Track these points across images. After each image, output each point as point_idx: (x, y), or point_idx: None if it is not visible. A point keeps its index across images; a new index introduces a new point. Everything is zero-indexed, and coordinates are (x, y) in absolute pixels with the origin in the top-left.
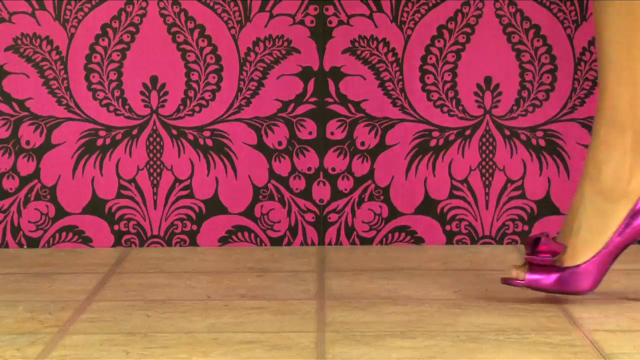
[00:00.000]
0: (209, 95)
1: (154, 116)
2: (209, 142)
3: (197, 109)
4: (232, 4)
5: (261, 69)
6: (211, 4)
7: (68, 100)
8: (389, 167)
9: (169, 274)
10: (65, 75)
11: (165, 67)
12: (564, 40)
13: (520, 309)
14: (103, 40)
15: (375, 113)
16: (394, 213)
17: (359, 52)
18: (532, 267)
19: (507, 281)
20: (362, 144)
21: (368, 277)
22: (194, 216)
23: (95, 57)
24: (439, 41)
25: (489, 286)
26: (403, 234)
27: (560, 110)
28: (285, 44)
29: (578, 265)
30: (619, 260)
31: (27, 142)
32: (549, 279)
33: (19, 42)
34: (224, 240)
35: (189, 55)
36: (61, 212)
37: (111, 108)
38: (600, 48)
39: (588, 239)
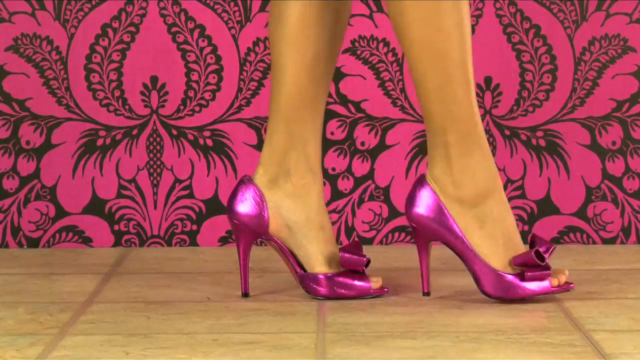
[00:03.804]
0: (209, 95)
1: (154, 116)
2: (209, 142)
3: (197, 109)
4: (232, 4)
5: (261, 69)
6: (211, 4)
7: (68, 100)
8: (389, 167)
9: (169, 275)
10: (65, 75)
11: (165, 67)
12: (564, 40)
13: (520, 309)
14: (103, 40)
15: (375, 113)
16: (394, 213)
17: (359, 52)
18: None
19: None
20: (362, 144)
21: None
22: (194, 216)
23: (95, 57)
24: None
25: None
26: (403, 234)
27: (560, 110)
28: None
29: None
30: (618, 260)
31: (27, 142)
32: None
33: (19, 42)
34: (224, 240)
35: (189, 55)
36: (61, 212)
37: (111, 108)
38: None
39: None
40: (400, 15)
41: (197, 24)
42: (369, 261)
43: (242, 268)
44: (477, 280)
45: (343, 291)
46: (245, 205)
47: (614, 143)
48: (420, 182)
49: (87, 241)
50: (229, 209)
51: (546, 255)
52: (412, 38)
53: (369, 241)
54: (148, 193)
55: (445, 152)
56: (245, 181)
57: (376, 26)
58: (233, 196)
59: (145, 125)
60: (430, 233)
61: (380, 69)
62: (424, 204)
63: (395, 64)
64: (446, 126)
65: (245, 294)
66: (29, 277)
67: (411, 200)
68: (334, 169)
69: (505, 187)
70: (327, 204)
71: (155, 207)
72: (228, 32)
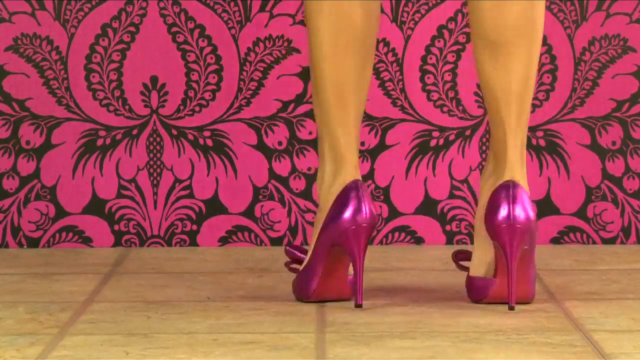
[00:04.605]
0: (209, 95)
1: (154, 116)
2: (209, 142)
3: (197, 109)
4: (232, 4)
5: (261, 69)
6: (211, 4)
7: (68, 100)
8: (389, 167)
9: (169, 275)
10: (65, 75)
11: (165, 67)
12: (564, 40)
13: (520, 309)
14: (103, 40)
15: (375, 113)
16: (394, 213)
17: None
18: None
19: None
20: (362, 144)
21: (368, 278)
22: (194, 216)
23: (95, 57)
24: (439, 41)
25: None
26: (403, 234)
27: (560, 110)
28: (285, 43)
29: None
30: (618, 260)
31: (27, 142)
32: None
33: (19, 42)
34: (224, 240)
35: (189, 55)
36: (61, 212)
37: (111, 108)
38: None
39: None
40: (532, 10)
41: (197, 24)
42: None
43: (359, 276)
44: (528, 284)
45: None
46: (374, 208)
47: (614, 143)
48: (517, 187)
49: (87, 241)
50: (364, 215)
51: None
52: (538, 34)
53: (369, 241)
54: (148, 193)
55: (521, 153)
56: (362, 184)
57: None
58: (369, 201)
59: (145, 125)
60: (530, 237)
61: (380, 69)
62: (531, 208)
63: (395, 64)
64: (519, 125)
65: (360, 305)
66: (29, 277)
67: (522, 206)
68: None
69: None
70: None
71: (155, 207)
72: (228, 32)
